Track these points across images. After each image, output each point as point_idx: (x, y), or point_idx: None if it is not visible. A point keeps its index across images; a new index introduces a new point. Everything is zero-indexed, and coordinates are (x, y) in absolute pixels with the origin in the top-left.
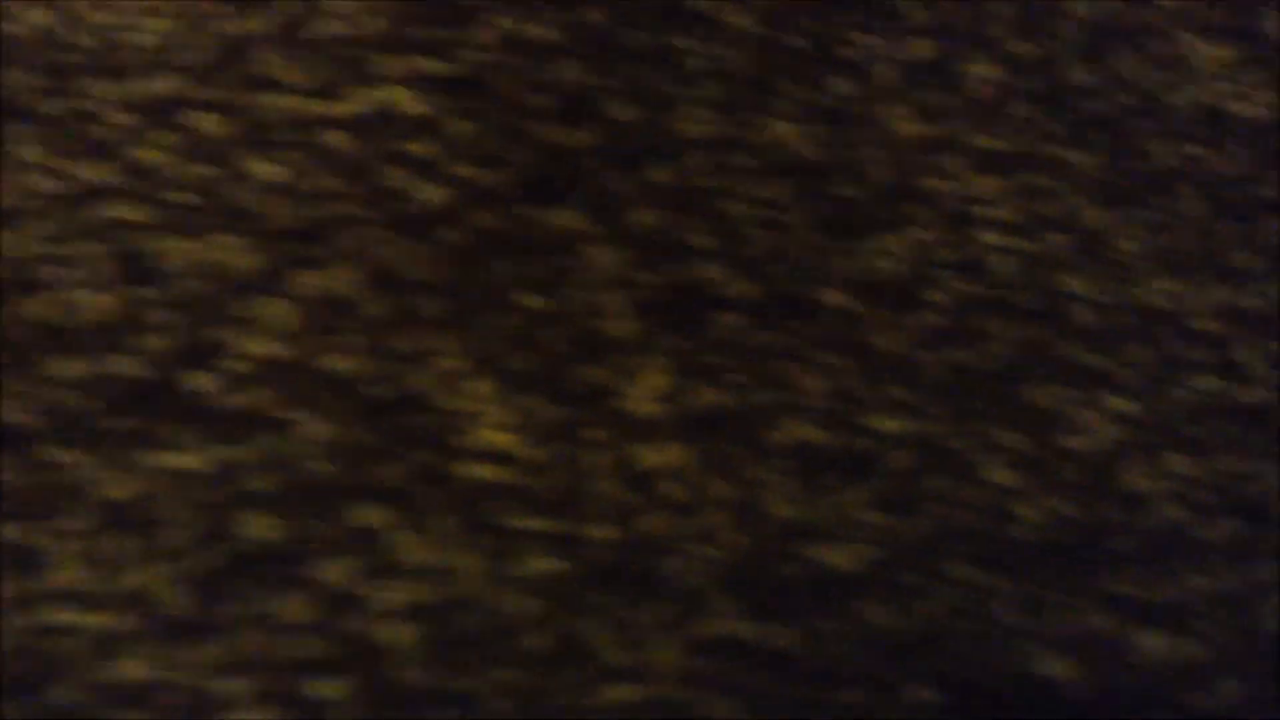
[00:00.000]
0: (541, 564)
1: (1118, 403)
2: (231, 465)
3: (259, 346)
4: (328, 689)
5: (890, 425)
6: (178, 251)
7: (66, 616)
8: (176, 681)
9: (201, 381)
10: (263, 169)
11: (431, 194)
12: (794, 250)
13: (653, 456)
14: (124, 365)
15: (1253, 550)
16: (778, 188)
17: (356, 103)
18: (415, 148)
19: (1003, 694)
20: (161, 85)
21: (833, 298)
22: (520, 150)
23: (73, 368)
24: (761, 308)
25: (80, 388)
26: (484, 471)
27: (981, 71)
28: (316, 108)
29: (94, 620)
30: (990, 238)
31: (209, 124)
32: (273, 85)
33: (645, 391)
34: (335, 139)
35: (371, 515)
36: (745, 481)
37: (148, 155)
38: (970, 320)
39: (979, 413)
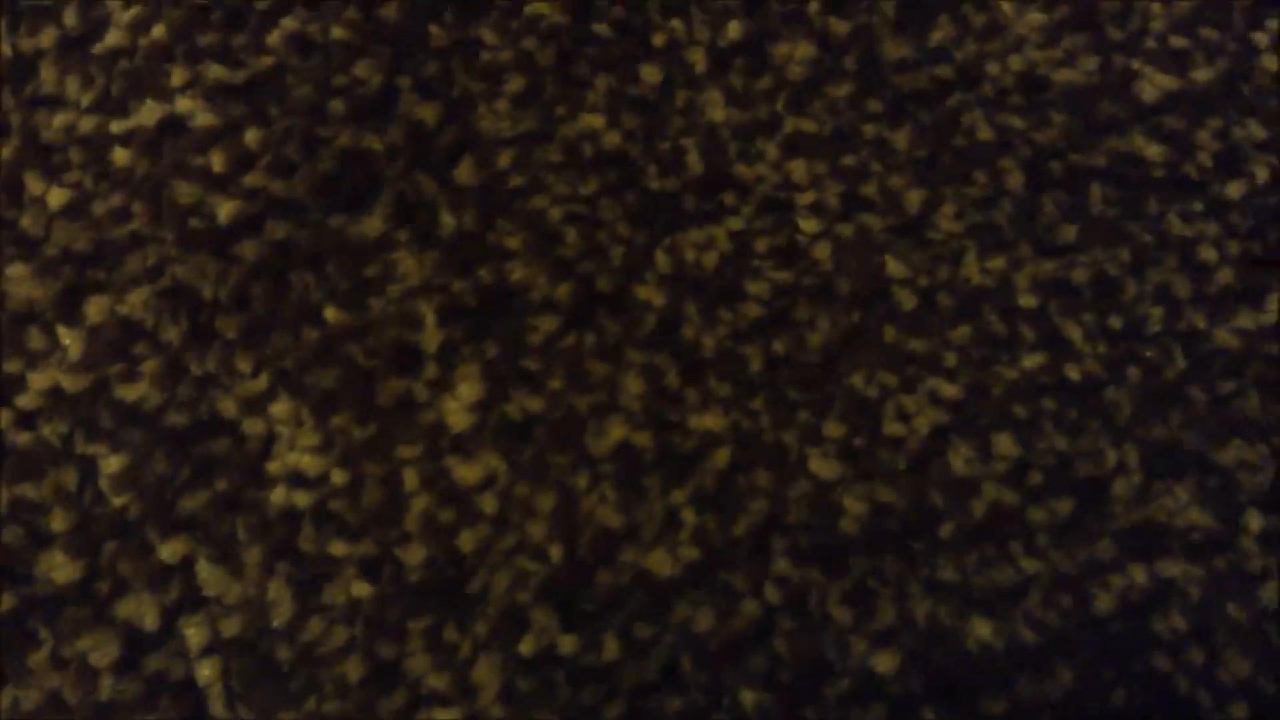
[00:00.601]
0: (353, 589)
1: (941, 386)
2: (26, 504)
3: (50, 379)
4: None
5: (710, 422)
6: None
7: None
8: None
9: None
10: (49, 192)
11: (226, 207)
12: (608, 247)
13: (467, 470)
14: None
15: (1084, 530)
16: (589, 183)
17: (143, 116)
18: (206, 160)
19: (833, 691)
20: None
21: (649, 294)
22: (318, 156)
23: None
24: (576, 308)
25: None
26: (291, 497)
27: (794, 52)
28: (102, 124)
29: None
30: (809, 224)
31: None
32: (57, 103)
33: (458, 402)
34: (123, 156)
35: (175, 548)
36: (564, 489)
37: None
38: (790, 310)
39: (800, 404)
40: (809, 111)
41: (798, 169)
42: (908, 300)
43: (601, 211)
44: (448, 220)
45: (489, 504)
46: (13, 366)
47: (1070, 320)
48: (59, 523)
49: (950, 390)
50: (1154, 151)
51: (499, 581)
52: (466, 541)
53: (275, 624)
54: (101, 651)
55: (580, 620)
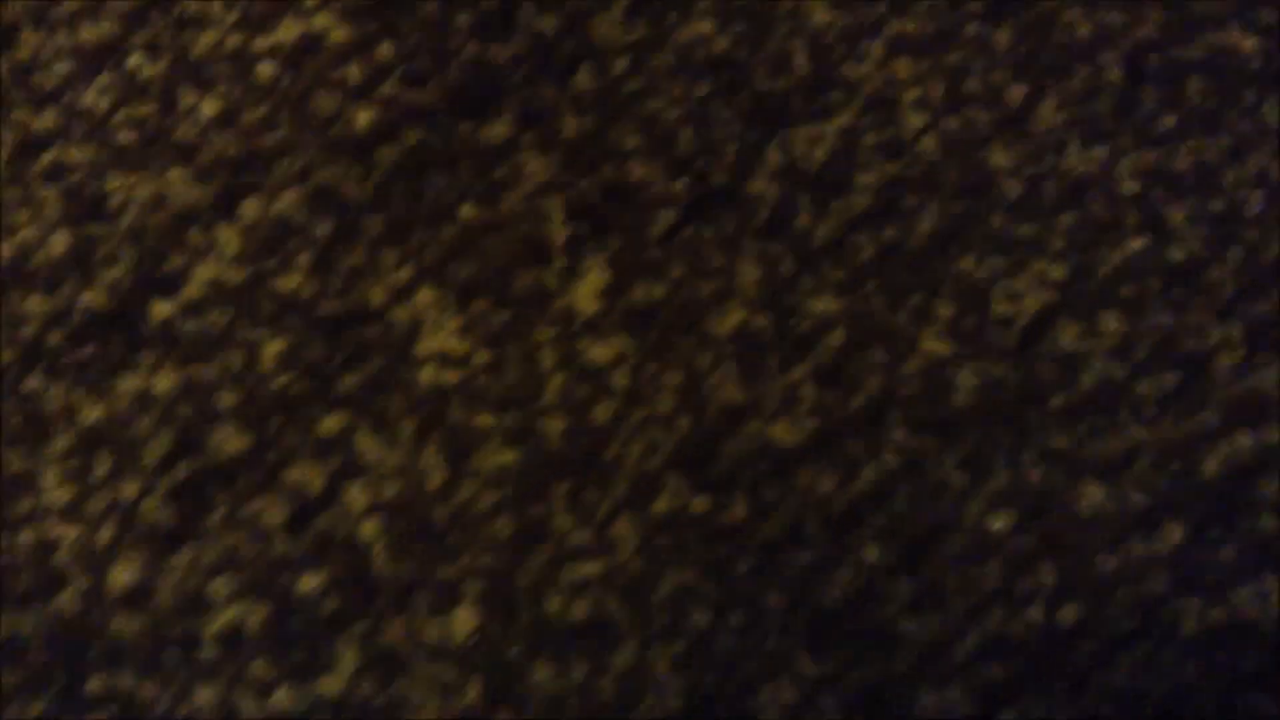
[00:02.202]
0: (500, 456)
1: (1048, 268)
2: (197, 384)
3: (212, 272)
4: (307, 583)
5: (825, 306)
6: (125, 188)
7: (59, 531)
8: (166, 584)
9: (161, 308)
10: (201, 104)
11: (364, 116)
12: (721, 145)
13: (599, 350)
14: (86, 298)
15: (1189, 401)
16: (701, 85)
17: (283, 33)
18: (344, 72)
19: (950, 549)
20: (97, 32)
21: (762, 188)
22: (447, 67)
23: (37, 304)
24: (693, 203)
25: (46, 321)
26: (439, 375)
27: None
28: (246, 41)
29: (83, 533)
30: (914, 119)
31: (145, 65)
32: (203, 23)
33: (586, 290)
34: (266, 70)
35: (335, 422)
36: (689, 368)
37: (90, 99)
38: (898, 200)
39: (911, 288)
40: (911, 13)
41: (902, 68)
42: (1013, 189)
43: (713, 112)
44: (569, 124)
45: (620, 380)
46: (176, 262)
47: (1172, 205)
48: (228, 400)
49: (1057, 272)
50: (1249, 44)
51: (632, 450)
52: (601, 414)
53: (430, 488)
54: (271, 513)
55: (710, 484)
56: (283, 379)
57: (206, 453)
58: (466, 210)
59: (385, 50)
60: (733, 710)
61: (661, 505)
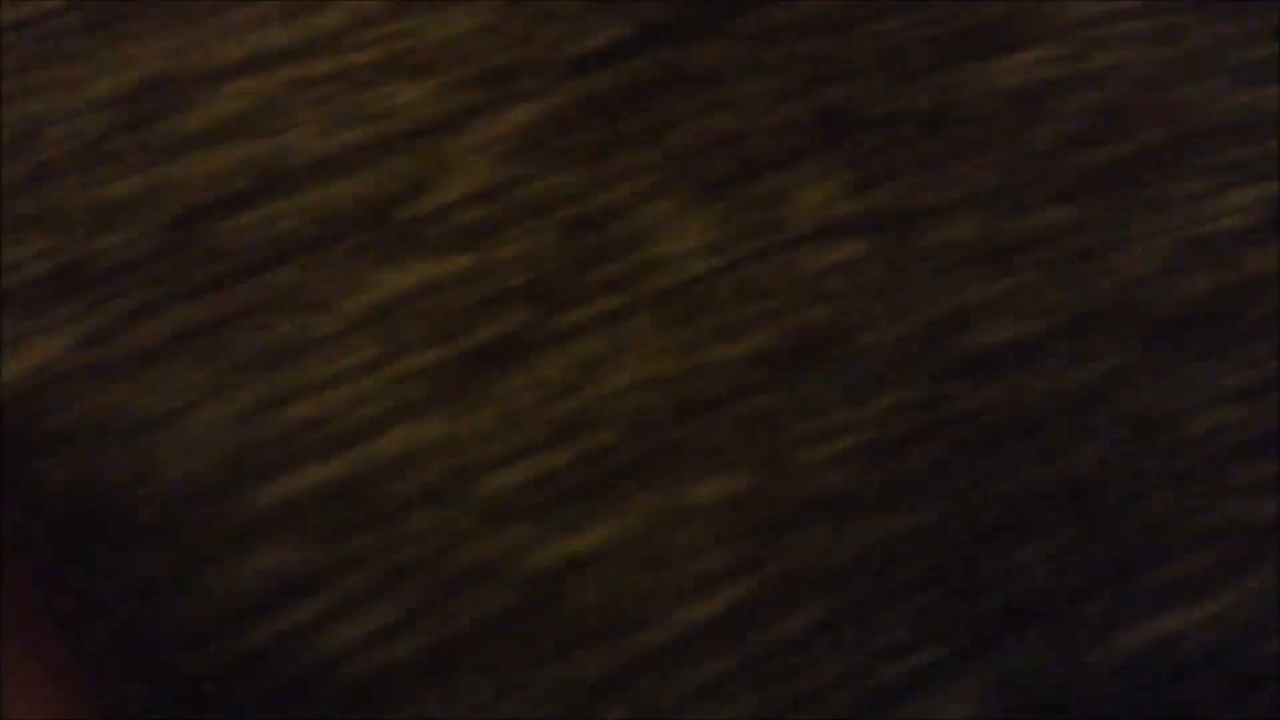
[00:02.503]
0: (754, 341)
1: (1256, 190)
2: (472, 269)
3: (481, 171)
4: (584, 444)
5: (1042, 219)
6: (399, 93)
7: (351, 396)
8: (455, 443)
9: (435, 200)
10: (455, 18)
11: (603, 34)
12: (945, 66)
13: (839, 250)
14: (366, 189)
15: None
16: (926, 9)
17: None
18: None
19: (1185, 434)
20: None
21: (982, 107)
22: None
23: (324, 192)
24: (914, 120)
25: (312, 212)
26: (692, 266)
27: None
28: None
29: (374, 397)
30: (1120, 52)
31: None
32: None
33: (823, 195)
34: None
35: (600, 305)
36: (926, 269)
37: (354, 8)
38: (1110, 123)
39: (1123, 205)
40: None
41: (1106, 3)
42: (1221, 115)
43: (934, 34)
44: (800, 43)
45: (863, 277)
46: (445, 162)
47: None
48: (499, 285)
49: (1266, 192)
50: None
51: (877, 340)
52: (844, 308)
53: (693, 365)
54: (546, 384)
55: (953, 373)
56: (549, 267)
57: (485, 329)
58: (715, 119)
59: None
60: (988, 573)
61: (908, 392)
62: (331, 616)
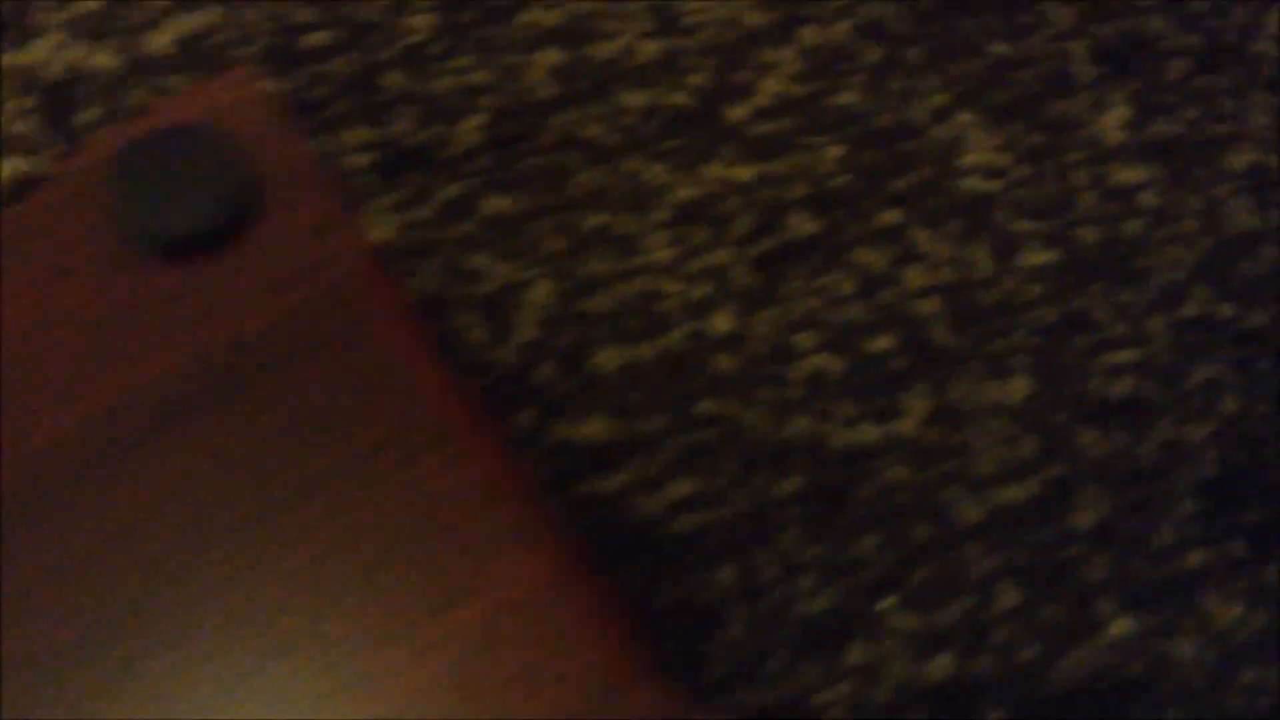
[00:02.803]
0: (1039, 257)
1: None
2: (770, 176)
3: (777, 86)
4: (878, 343)
5: None
6: (704, 10)
7: (665, 285)
8: (756, 334)
9: (735, 111)
10: None
11: None
12: (1229, 8)
13: (1125, 174)
14: (673, 97)
15: None
16: None
17: None
18: None
19: None
20: None
21: (1265, 48)
22: None
23: (635, 98)
24: (1203, 55)
25: (643, 113)
26: (980, 184)
27: None
28: None
29: (682, 288)
30: None
31: None
32: None
33: (1111, 121)
34: None
35: (889, 216)
36: (1207, 196)
37: None
38: None
39: None
40: None
41: None
42: None
43: None
44: None
45: (1147, 201)
46: (746, 74)
47: None
48: (797, 191)
49: None
50: None
51: (1160, 260)
52: (1130, 229)
53: (978, 277)
54: (841, 285)
55: (1232, 294)
56: (842, 179)
57: (783, 232)
58: (999, 47)
59: None
60: (1261, 481)
61: (1190, 309)
62: (639, 487)
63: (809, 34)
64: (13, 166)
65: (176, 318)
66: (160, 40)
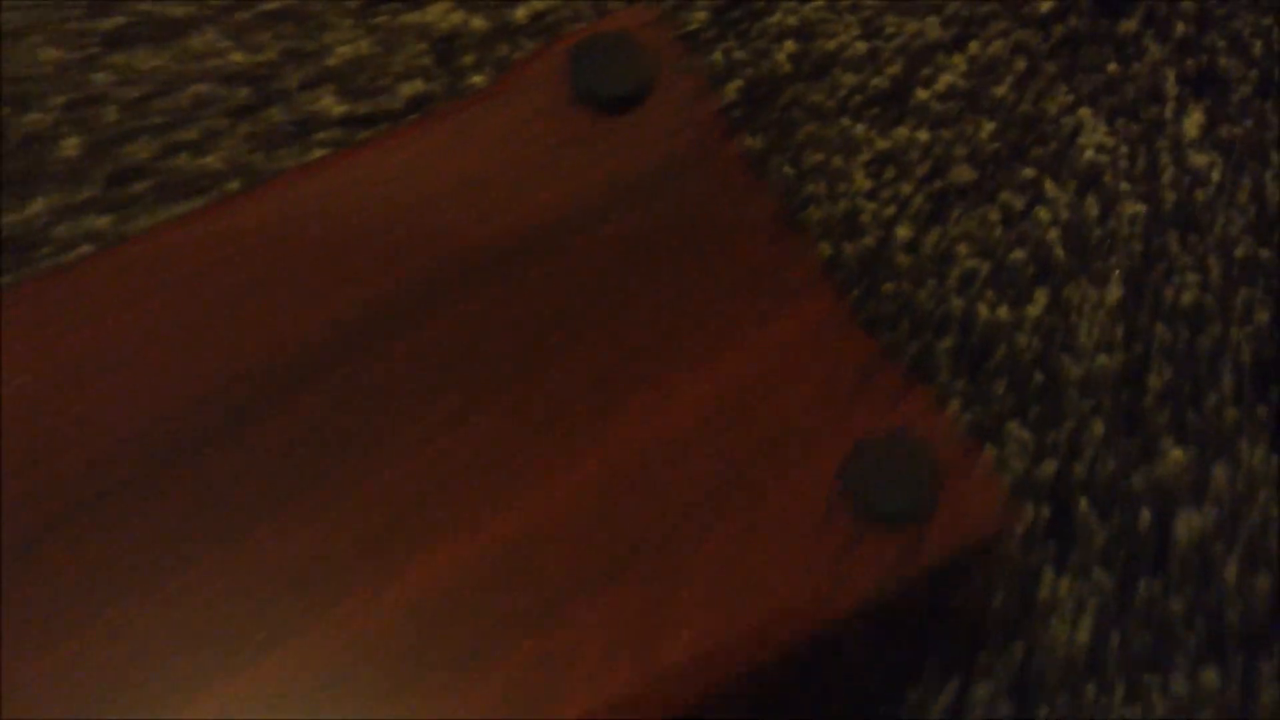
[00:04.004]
0: (1132, 208)
1: None
2: (942, 139)
3: (950, 79)
4: (1013, 255)
5: None
6: (900, 24)
7: (861, 204)
8: (927, 243)
9: (920, 94)
10: None
11: (1046, 5)
12: None
13: (1196, 158)
14: (873, 81)
15: None
16: (1267, 17)
17: None
18: None
19: None
20: None
21: None
22: None
23: (848, 78)
24: (1259, 84)
25: (850, 90)
26: (1092, 156)
27: None
28: None
29: (876, 207)
30: None
31: None
32: None
33: (1189, 123)
34: None
35: (1027, 172)
36: (1254, 177)
37: None
38: None
39: None
40: None
41: None
42: None
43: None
44: (1178, 26)
45: (1213, 178)
46: (929, 72)
47: None
48: (960, 151)
49: None
50: None
51: (1223, 220)
52: (1200, 195)
53: (1089, 217)
54: (988, 216)
55: (1273, 243)
56: (993, 145)
57: (949, 178)
58: (1111, 67)
59: None
60: None
61: (1239, 252)
62: None
63: (974, 46)
64: (412, 88)
65: (592, 155)
66: (519, 13)
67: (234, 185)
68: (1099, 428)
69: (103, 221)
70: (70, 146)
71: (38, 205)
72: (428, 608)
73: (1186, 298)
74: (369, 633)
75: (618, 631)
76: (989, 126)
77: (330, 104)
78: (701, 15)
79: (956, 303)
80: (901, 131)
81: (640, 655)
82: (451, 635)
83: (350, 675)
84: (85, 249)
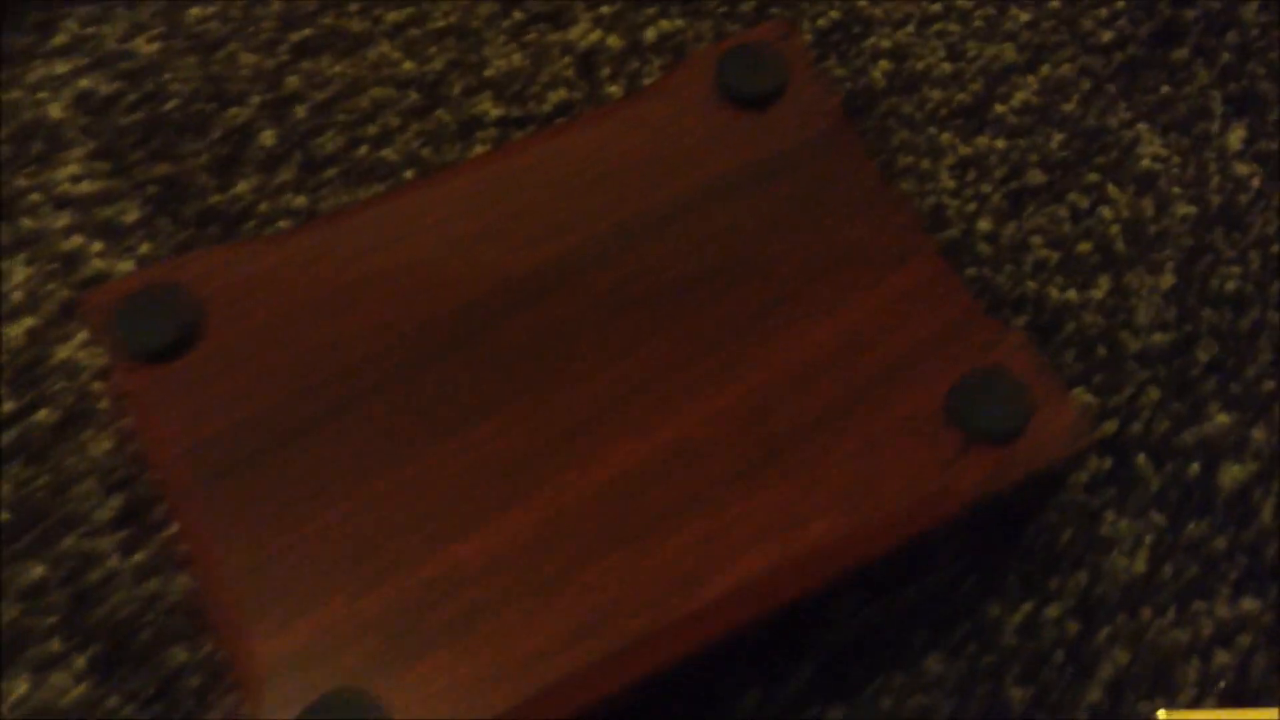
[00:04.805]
0: (1184, 209)
1: None
2: (1016, 146)
3: (1024, 96)
4: (1079, 247)
5: None
6: (980, 49)
7: (946, 201)
8: (1004, 234)
9: (999, 109)
10: (1013, 12)
11: (1106, 34)
12: None
13: (1239, 168)
14: (957, 96)
15: None
16: None
17: None
18: (1101, 10)
19: None
20: None
21: None
22: (1154, 14)
23: (934, 94)
24: None
25: (939, 103)
26: (1149, 164)
27: None
28: None
29: (959, 204)
30: None
31: None
32: None
33: (1232, 138)
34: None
35: (1091, 177)
36: None
37: None
38: None
39: None
40: None
41: None
42: None
43: None
44: (1224, 54)
45: (1254, 184)
46: (1006, 90)
47: None
48: (1034, 159)
49: None
50: None
51: (1262, 220)
52: (1243, 199)
53: (1146, 215)
54: (1058, 212)
55: None
56: (1061, 153)
57: (1024, 179)
58: (1165, 89)
59: (1120, 2)
60: None
61: (1274, 249)
62: None
63: (1045, 69)
64: (557, 96)
65: (736, 142)
66: (649, 34)
67: (408, 174)
68: (1154, 393)
69: (299, 200)
70: (268, 138)
71: (242, 186)
72: (613, 492)
73: (1230, 285)
74: (568, 509)
75: (764, 518)
76: (1058, 137)
77: (488, 108)
78: (807, 38)
79: (1031, 285)
80: (982, 140)
81: (782, 539)
82: (632, 513)
83: (552, 543)
84: (283, 224)
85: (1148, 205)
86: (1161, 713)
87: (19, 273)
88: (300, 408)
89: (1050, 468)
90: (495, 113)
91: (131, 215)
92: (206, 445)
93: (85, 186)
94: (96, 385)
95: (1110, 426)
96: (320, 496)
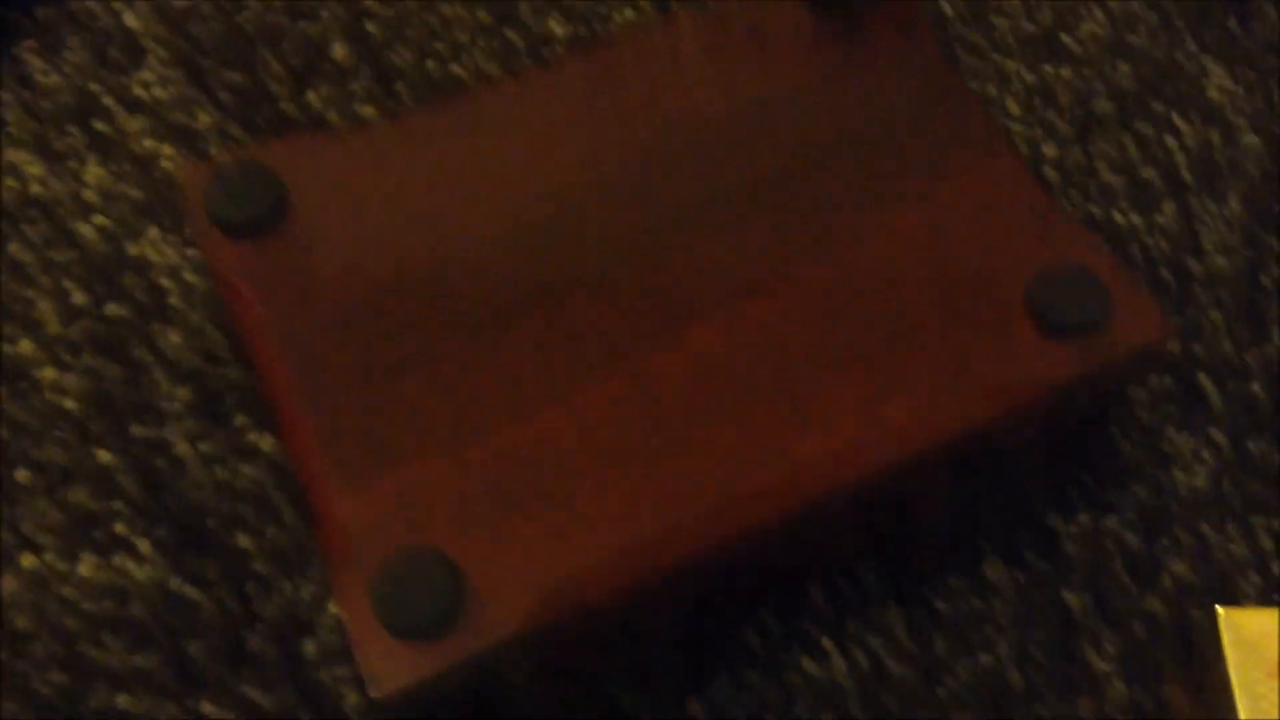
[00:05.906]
0: (1248, 139)
1: None
2: (1086, 74)
3: (1094, 29)
4: (1145, 172)
5: None
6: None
7: (1015, 128)
8: (1070, 157)
9: (1065, 39)
10: (1088, 22)
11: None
12: None
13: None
14: (1025, 25)
15: None
16: None
17: None
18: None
19: None
20: None
21: None
22: None
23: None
24: None
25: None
26: (1214, 94)
27: None
28: None
29: (1023, 129)
30: None
31: None
32: None
33: (1248, 142)
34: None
35: (1158, 108)
36: None
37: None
38: None
39: None
40: None
41: None
42: None
43: None
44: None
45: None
46: (1069, 36)
47: None
48: (1099, 90)
49: None
50: None
51: None
52: None
53: (1213, 143)
54: (1126, 140)
55: None
56: (1130, 83)
57: (1093, 107)
58: (1231, 23)
59: None
60: None
61: None
62: None
63: (1114, 2)
64: (623, 16)
65: (823, 45)
66: None
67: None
68: (1216, 316)
69: (367, 109)
70: (339, 50)
71: (312, 95)
72: (702, 369)
73: None
74: (656, 384)
75: (848, 397)
76: (1125, 68)
77: (555, 26)
78: None
79: (1095, 209)
80: (1048, 69)
81: (869, 412)
82: (721, 390)
83: (639, 416)
84: None
85: (1214, 135)
86: (1221, 610)
87: (93, 173)
88: (385, 280)
89: (1127, 366)
90: (562, 31)
91: (204, 121)
92: (295, 311)
93: (158, 92)
94: (165, 281)
95: (1173, 347)
96: (406, 363)
